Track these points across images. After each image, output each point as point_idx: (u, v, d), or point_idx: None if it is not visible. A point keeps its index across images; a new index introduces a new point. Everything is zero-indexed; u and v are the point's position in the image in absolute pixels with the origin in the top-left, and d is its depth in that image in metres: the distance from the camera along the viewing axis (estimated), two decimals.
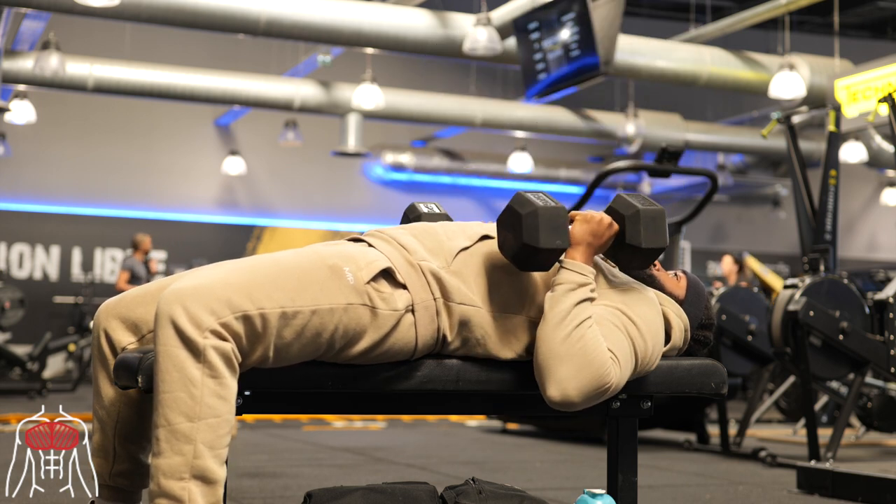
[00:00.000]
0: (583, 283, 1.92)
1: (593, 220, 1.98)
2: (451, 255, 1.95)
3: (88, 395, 8.05)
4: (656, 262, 2.21)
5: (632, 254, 2.00)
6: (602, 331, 1.91)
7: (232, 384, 1.72)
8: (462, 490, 2.05)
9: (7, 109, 9.07)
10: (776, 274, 9.82)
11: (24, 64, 8.98)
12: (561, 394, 1.86)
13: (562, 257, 1.96)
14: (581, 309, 1.90)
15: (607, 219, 1.99)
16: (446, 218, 2.25)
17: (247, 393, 1.86)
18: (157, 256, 12.15)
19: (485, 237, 2.01)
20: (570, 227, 1.97)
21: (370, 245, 1.97)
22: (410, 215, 2.29)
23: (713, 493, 3.73)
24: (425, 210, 2.28)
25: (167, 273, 11.70)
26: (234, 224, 12.68)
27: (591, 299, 1.93)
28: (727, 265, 9.71)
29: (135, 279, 9.30)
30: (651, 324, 1.98)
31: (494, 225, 2.06)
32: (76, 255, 11.98)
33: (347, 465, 4.44)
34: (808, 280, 4.51)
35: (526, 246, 1.88)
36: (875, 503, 3.38)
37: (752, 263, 9.53)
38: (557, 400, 1.87)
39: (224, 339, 1.70)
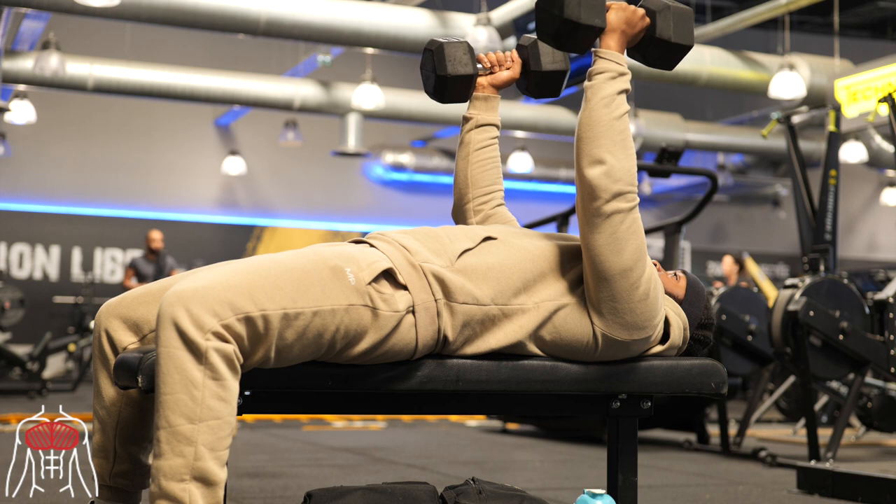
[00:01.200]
0: (622, 73, 1.98)
1: (628, 9, 2.02)
2: (454, 255, 1.95)
3: (88, 395, 8.05)
4: (656, 261, 2.22)
5: (661, 49, 2.06)
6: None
7: (233, 386, 1.72)
8: (462, 490, 2.05)
9: (7, 109, 9.08)
10: (771, 283, 9.81)
11: (24, 64, 8.99)
12: (604, 168, 1.91)
13: (596, 48, 2.01)
14: (622, 99, 1.96)
15: (641, 10, 2.03)
16: (468, 46, 2.28)
17: (247, 393, 1.86)
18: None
19: (487, 238, 2.01)
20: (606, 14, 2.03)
21: (372, 246, 1.97)
22: (430, 48, 2.28)
23: (713, 493, 3.74)
24: (445, 41, 2.30)
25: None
26: (234, 224, 12.68)
27: (628, 91, 1.98)
28: (728, 265, 9.71)
29: (140, 277, 9.29)
30: (659, 288, 2.01)
31: (496, 227, 2.06)
32: (76, 255, 11.99)
33: (347, 465, 4.44)
34: (808, 280, 4.51)
35: (567, 21, 1.94)
36: (875, 503, 3.38)
37: (751, 267, 9.54)
38: (597, 173, 1.91)
39: (226, 341, 1.70)
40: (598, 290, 1.95)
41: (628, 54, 2.07)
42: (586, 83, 1.99)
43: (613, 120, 1.94)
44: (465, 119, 2.37)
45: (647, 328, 1.98)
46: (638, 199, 1.96)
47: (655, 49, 2.07)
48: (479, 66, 2.31)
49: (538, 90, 2.33)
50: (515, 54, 2.32)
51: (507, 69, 2.33)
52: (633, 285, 1.94)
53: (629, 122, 1.98)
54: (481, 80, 2.33)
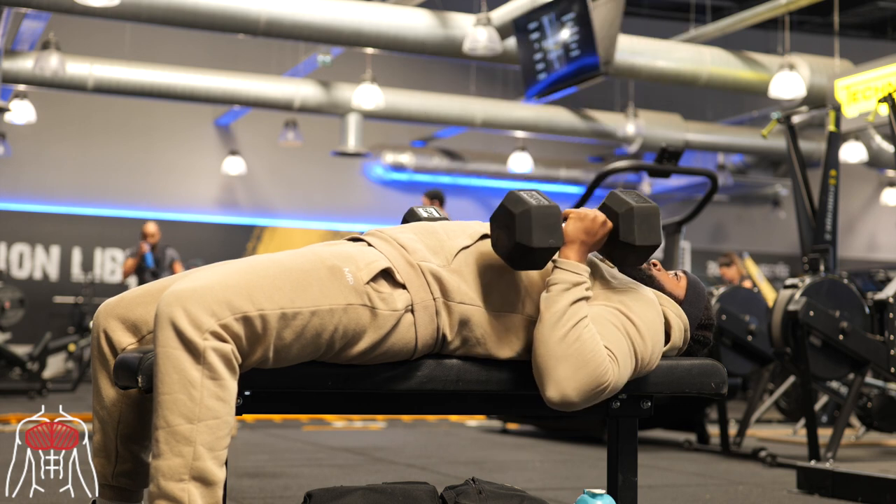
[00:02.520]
0: (577, 283, 1.92)
1: (587, 218, 1.97)
2: (451, 254, 1.95)
3: (88, 395, 8.04)
4: (656, 261, 2.21)
5: (626, 251, 2.00)
6: (600, 330, 1.91)
7: (232, 386, 1.72)
8: (462, 490, 2.05)
9: (7, 109, 9.07)
10: (770, 284, 9.80)
11: (24, 64, 8.98)
12: (560, 394, 1.87)
13: (556, 256, 1.96)
14: (577, 308, 1.90)
15: (601, 216, 1.99)
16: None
17: (247, 393, 1.86)
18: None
19: (485, 236, 2.01)
20: (563, 225, 1.96)
21: (370, 245, 1.97)
22: (410, 220, 2.29)
23: (713, 493, 3.73)
24: (425, 215, 2.28)
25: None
26: (234, 224, 12.67)
27: (587, 298, 1.93)
28: (732, 272, 9.68)
29: (140, 270, 9.12)
30: (650, 323, 1.98)
31: None
32: (76, 255, 11.98)
33: (347, 465, 4.44)
34: (808, 280, 4.51)
35: (519, 245, 1.88)
36: (875, 503, 3.38)
37: (751, 267, 9.53)
38: (556, 400, 1.88)
39: (224, 341, 1.70)
40: None
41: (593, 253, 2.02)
42: (543, 294, 1.94)
43: (560, 339, 1.88)
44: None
45: (651, 364, 2.03)
46: (608, 370, 1.89)
47: (620, 251, 2.00)
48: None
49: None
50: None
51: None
52: (640, 373, 2.00)
53: (585, 326, 1.89)
54: None
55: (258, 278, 1.77)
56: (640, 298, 2.02)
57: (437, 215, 2.28)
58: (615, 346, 1.91)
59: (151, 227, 9.08)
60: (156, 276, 8.89)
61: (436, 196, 7.37)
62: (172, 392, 1.68)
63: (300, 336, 1.78)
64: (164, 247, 9.20)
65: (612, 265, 2.10)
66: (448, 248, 1.96)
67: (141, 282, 8.97)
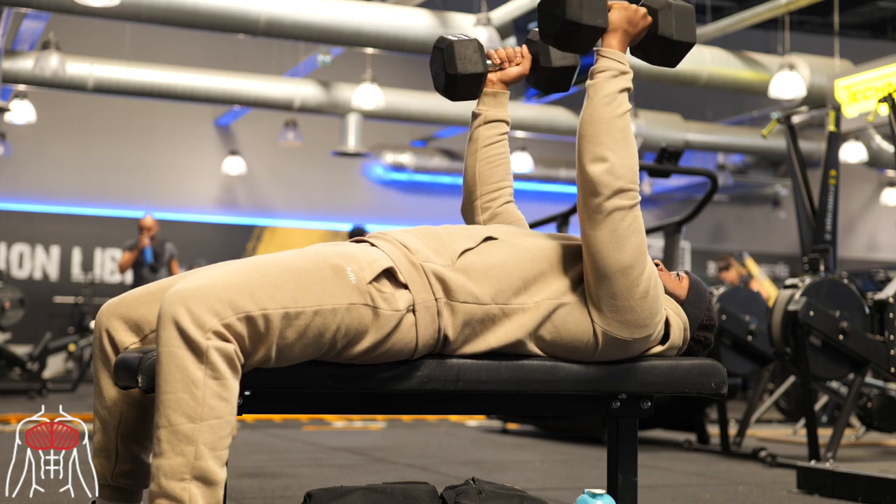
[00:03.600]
0: (623, 71, 1.98)
1: (630, 7, 2.02)
2: (455, 255, 1.95)
3: (88, 395, 8.04)
4: (658, 261, 2.21)
5: (663, 47, 2.06)
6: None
7: (234, 385, 1.72)
8: (462, 490, 2.05)
9: (7, 109, 9.08)
10: (772, 282, 9.80)
11: (24, 64, 8.99)
12: (606, 165, 1.91)
13: (598, 46, 2.01)
14: (624, 98, 1.96)
15: (642, 9, 2.03)
16: (478, 44, 2.29)
17: (247, 393, 1.86)
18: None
19: (488, 238, 2.01)
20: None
21: (373, 245, 1.97)
22: (439, 46, 2.30)
23: (713, 493, 3.73)
24: (455, 38, 2.30)
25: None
26: (234, 224, 12.68)
27: (630, 89, 1.98)
28: (731, 275, 9.67)
29: (136, 263, 8.76)
30: (657, 292, 2.00)
31: (497, 227, 2.07)
32: (76, 255, 11.98)
33: (347, 465, 4.44)
34: (808, 280, 4.51)
35: (569, 22, 1.95)
36: (875, 503, 3.38)
37: (752, 267, 9.52)
38: (599, 169, 1.92)
39: (226, 340, 1.70)
40: (599, 287, 1.95)
41: (630, 52, 2.08)
42: (588, 81, 1.99)
43: (615, 118, 1.94)
44: (475, 115, 2.37)
45: (647, 326, 1.98)
46: (639, 198, 1.96)
47: (657, 47, 2.07)
48: (488, 62, 2.31)
49: (548, 85, 2.33)
50: (525, 50, 2.32)
51: (517, 65, 2.33)
52: (633, 283, 1.94)
53: (630, 120, 1.98)
54: (491, 77, 2.33)
55: (261, 278, 1.77)
56: None
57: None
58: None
59: (149, 221, 8.75)
60: (154, 270, 8.65)
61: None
62: (175, 391, 1.68)
63: (303, 335, 1.78)
64: (163, 241, 8.92)
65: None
66: (452, 250, 1.96)
67: (137, 277, 8.77)
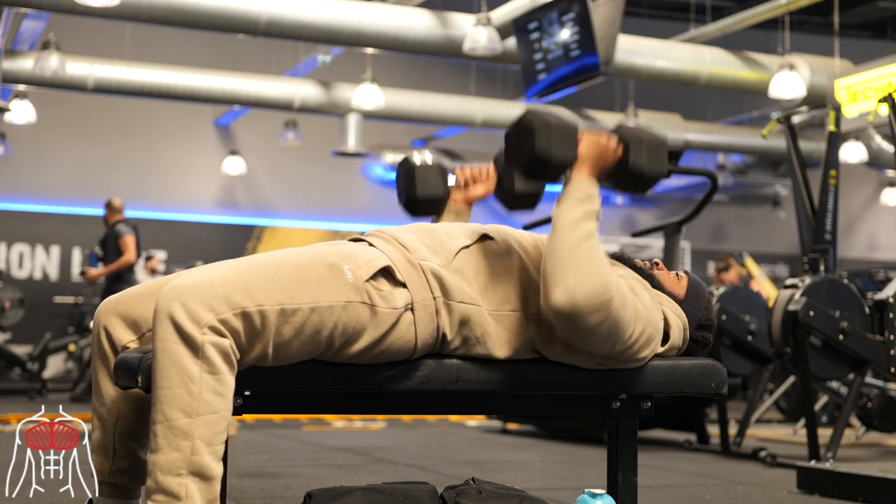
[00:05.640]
0: (591, 195, 1.97)
1: (601, 142, 2.01)
2: (451, 253, 1.96)
3: (88, 395, 8.04)
4: (658, 260, 2.22)
5: (633, 179, 2.05)
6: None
7: (230, 381, 1.72)
8: (462, 490, 2.05)
9: (7, 109, 9.08)
10: (772, 282, 9.79)
11: (24, 64, 8.98)
12: (568, 298, 1.85)
13: (568, 172, 2.01)
14: (589, 222, 1.94)
15: (612, 142, 2.03)
16: (440, 168, 2.33)
17: (246, 393, 1.86)
18: (158, 256, 12.14)
19: (485, 236, 2.01)
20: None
21: (370, 244, 1.97)
22: (403, 168, 2.34)
23: (713, 493, 3.73)
24: (418, 162, 2.34)
25: (167, 272, 11.68)
26: (234, 224, 12.68)
27: (597, 214, 1.97)
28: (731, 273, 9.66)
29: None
30: (651, 311, 1.99)
31: (494, 225, 2.07)
32: (76, 255, 11.98)
33: (347, 465, 4.44)
34: (808, 280, 4.51)
35: (537, 157, 1.94)
36: (875, 503, 3.38)
37: (752, 267, 9.52)
38: (563, 304, 1.85)
39: (222, 336, 1.70)
40: (597, 360, 1.99)
41: (599, 181, 2.06)
42: (554, 208, 1.97)
43: (574, 246, 1.89)
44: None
45: (646, 358, 2.02)
46: (611, 293, 1.88)
47: (627, 178, 2.06)
48: (451, 184, 2.36)
49: (513, 204, 2.35)
50: (492, 170, 2.36)
51: (482, 184, 2.36)
52: (632, 355, 1.99)
53: (596, 242, 1.93)
54: (455, 195, 2.37)
55: (257, 274, 1.77)
56: (643, 289, 2.04)
57: (429, 163, 2.37)
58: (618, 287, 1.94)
59: (117, 202, 8.16)
60: (103, 259, 8.24)
61: None
62: (171, 386, 1.68)
63: (299, 333, 1.78)
64: (117, 223, 8.07)
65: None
66: (448, 248, 1.96)
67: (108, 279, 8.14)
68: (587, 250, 1.89)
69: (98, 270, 8.00)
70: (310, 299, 1.78)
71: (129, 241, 7.88)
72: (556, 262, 1.89)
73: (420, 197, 2.29)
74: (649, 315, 1.99)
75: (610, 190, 2.11)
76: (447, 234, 2.00)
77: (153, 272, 10.01)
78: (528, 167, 1.98)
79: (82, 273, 8.22)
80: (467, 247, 1.98)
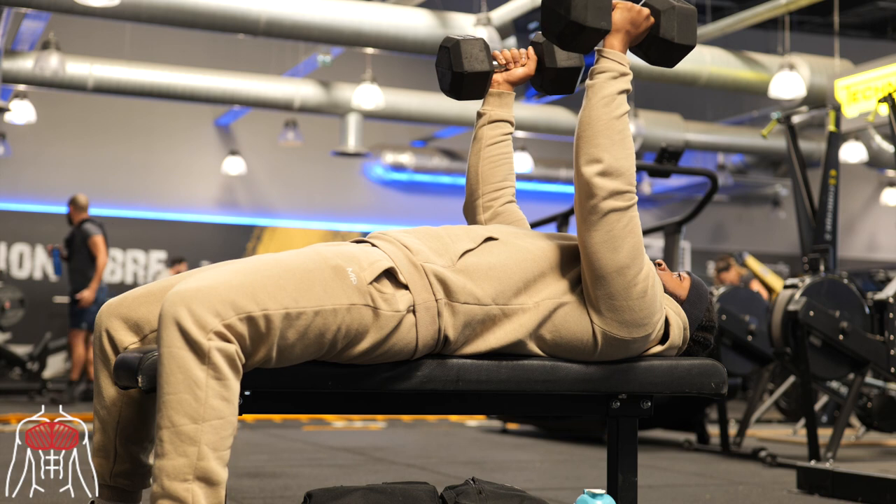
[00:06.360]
0: (623, 73, 1.99)
1: (633, 8, 2.03)
2: (455, 255, 1.96)
3: (86, 396, 8.03)
4: (660, 261, 2.22)
5: (663, 48, 2.07)
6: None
7: (235, 386, 1.72)
8: (462, 490, 2.05)
9: (7, 109, 9.08)
10: (776, 274, 9.79)
11: (24, 64, 8.99)
12: (604, 167, 1.92)
13: (600, 46, 2.02)
14: (623, 99, 1.97)
15: (646, 10, 2.04)
16: (483, 43, 2.30)
17: (247, 393, 1.86)
18: (158, 256, 12.15)
19: (489, 239, 2.01)
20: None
21: (374, 246, 1.97)
22: (446, 45, 2.28)
23: (713, 493, 3.73)
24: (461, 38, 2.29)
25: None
26: (234, 224, 12.67)
27: (629, 91, 1.99)
28: (731, 273, 9.65)
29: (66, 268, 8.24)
30: (655, 290, 2.00)
31: (498, 227, 2.07)
32: None
33: (347, 465, 4.44)
34: (808, 280, 4.51)
35: (573, 23, 1.96)
36: (875, 503, 3.38)
37: (754, 265, 9.51)
38: (596, 171, 1.92)
39: (228, 341, 1.70)
40: (596, 288, 1.95)
41: (630, 52, 2.08)
42: (588, 82, 2.00)
43: (612, 119, 1.94)
44: (479, 115, 2.38)
45: (646, 326, 1.99)
46: (636, 198, 1.97)
47: (658, 48, 2.08)
48: (494, 62, 2.32)
49: (552, 87, 2.34)
50: (531, 51, 2.33)
51: (523, 66, 2.33)
52: (630, 283, 1.94)
53: (629, 122, 1.98)
54: (496, 77, 2.34)
55: (262, 278, 1.77)
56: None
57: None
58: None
59: (82, 200, 8.19)
60: (69, 258, 8.20)
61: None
62: (177, 392, 1.68)
63: (303, 336, 1.78)
64: (84, 222, 8.23)
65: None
66: (452, 251, 1.96)
67: (69, 272, 8.16)
68: (621, 130, 1.95)
69: (90, 291, 8.10)
70: (314, 302, 1.78)
71: (98, 241, 8.01)
72: (591, 133, 1.94)
73: (467, 71, 2.23)
74: (653, 296, 2.00)
75: (641, 59, 2.12)
76: (451, 238, 2.00)
77: None
78: (563, 34, 1.99)
79: (75, 301, 8.12)
80: (471, 249, 1.98)
